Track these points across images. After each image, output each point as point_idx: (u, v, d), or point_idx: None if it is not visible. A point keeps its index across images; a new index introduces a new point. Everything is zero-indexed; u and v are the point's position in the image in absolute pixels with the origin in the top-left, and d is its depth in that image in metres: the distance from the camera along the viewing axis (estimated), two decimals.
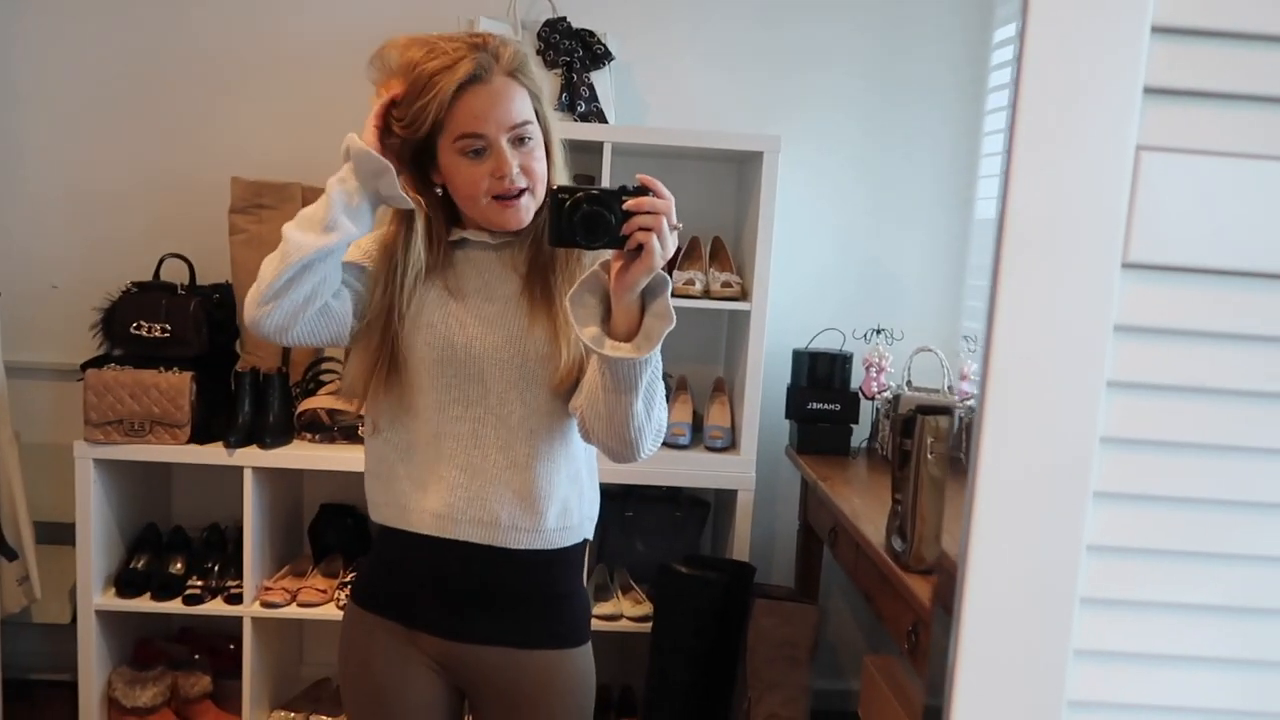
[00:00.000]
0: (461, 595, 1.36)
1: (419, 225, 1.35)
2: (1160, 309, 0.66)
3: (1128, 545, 0.68)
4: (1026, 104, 0.63)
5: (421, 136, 1.28)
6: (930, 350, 2.58)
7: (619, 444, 1.27)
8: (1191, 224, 0.65)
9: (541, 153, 1.32)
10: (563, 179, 1.37)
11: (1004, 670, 0.69)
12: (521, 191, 1.30)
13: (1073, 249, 0.65)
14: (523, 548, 1.34)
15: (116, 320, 2.43)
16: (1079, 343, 0.66)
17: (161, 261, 2.53)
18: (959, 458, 2.19)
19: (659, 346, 1.18)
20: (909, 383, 2.58)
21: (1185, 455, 0.67)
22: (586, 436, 1.33)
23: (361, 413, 1.45)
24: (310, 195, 2.57)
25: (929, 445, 1.68)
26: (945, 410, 1.74)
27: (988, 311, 0.67)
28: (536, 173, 1.31)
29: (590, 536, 1.44)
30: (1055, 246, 0.65)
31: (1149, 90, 0.63)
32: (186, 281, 2.53)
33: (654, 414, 1.26)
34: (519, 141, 1.29)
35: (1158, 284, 0.65)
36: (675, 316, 1.17)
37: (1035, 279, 0.65)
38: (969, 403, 2.43)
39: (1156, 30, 0.63)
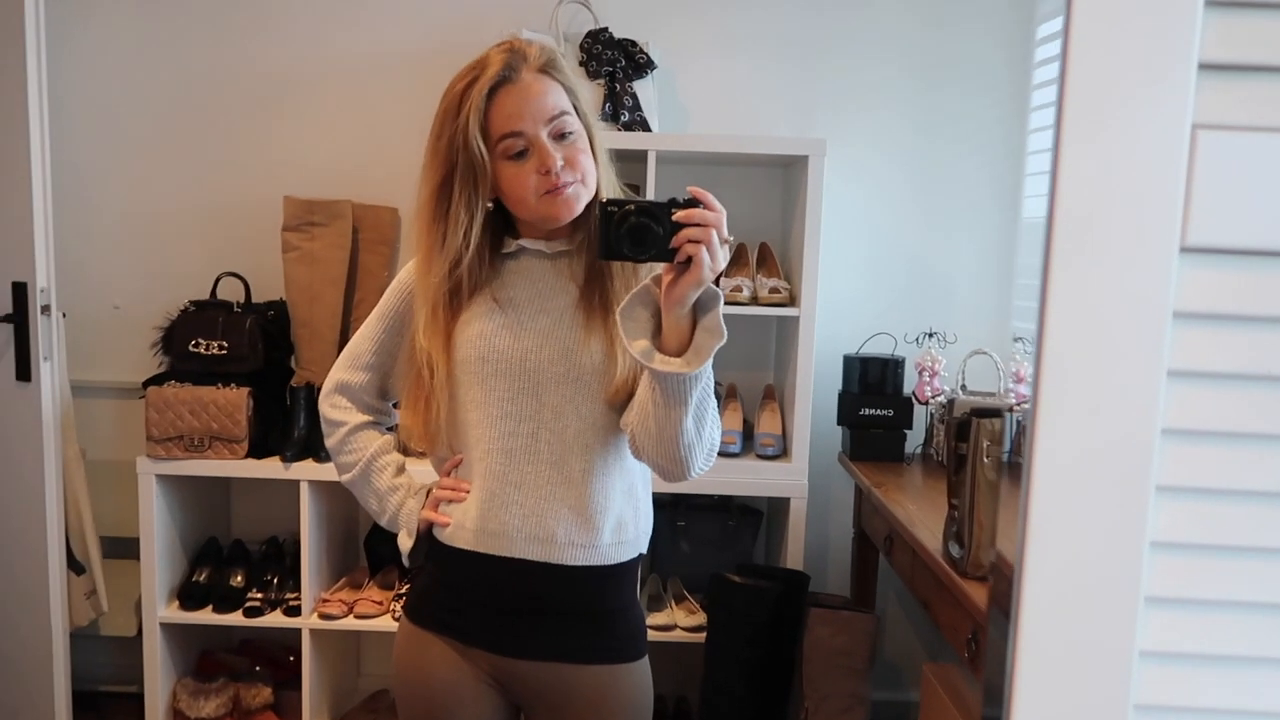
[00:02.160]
0: (515, 611, 1.34)
1: (473, 240, 1.31)
2: (1221, 294, 0.63)
3: (1193, 541, 0.65)
4: (1075, 84, 0.61)
5: (470, 152, 1.26)
6: (985, 353, 2.53)
7: (669, 462, 1.25)
8: (1252, 204, 0.62)
9: (585, 145, 1.30)
10: (609, 178, 1.35)
11: (1066, 673, 0.66)
12: (568, 184, 1.27)
13: (1127, 233, 0.62)
14: (578, 564, 1.33)
15: (176, 338, 2.48)
16: (1136, 331, 0.63)
17: (218, 280, 2.60)
18: (1018, 462, 2.14)
19: (709, 362, 1.16)
20: (963, 386, 2.53)
21: (1251, 446, 0.64)
22: (637, 454, 1.31)
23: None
24: (360, 212, 2.61)
25: (985, 449, 1.64)
26: (1000, 413, 1.70)
27: (1040, 302, 0.65)
28: (582, 165, 1.29)
29: (644, 551, 1.41)
30: (1109, 231, 0.62)
31: (1204, 66, 0.61)
32: (242, 299, 2.59)
33: (705, 432, 1.24)
34: (560, 137, 1.28)
35: (1218, 268, 0.63)
36: (726, 332, 1.15)
37: (1088, 266, 0.63)
38: (1024, 405, 2.37)
39: (1210, 3, 0.60)
